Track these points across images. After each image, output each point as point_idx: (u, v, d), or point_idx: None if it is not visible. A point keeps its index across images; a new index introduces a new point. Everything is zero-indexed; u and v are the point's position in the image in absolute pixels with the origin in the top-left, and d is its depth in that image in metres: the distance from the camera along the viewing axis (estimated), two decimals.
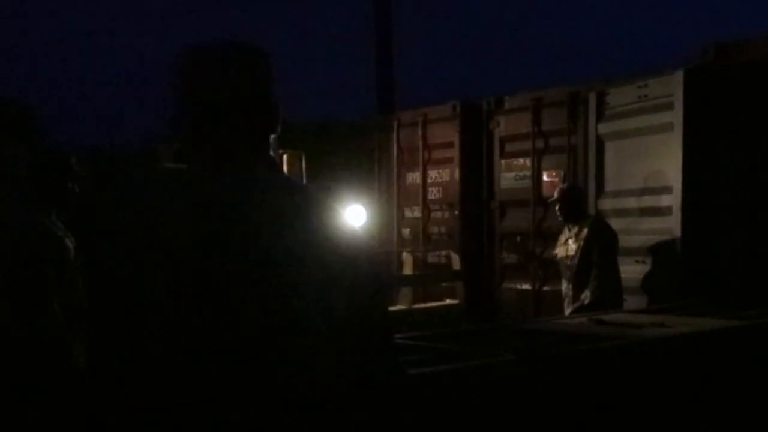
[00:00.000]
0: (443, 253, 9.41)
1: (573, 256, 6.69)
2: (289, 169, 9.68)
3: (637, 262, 7.05)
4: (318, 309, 1.80)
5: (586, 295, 6.48)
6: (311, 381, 1.80)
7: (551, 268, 7.61)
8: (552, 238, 7.56)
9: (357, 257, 1.88)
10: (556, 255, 6.97)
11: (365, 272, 1.88)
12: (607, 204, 7.55)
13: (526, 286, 8.75)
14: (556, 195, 7.02)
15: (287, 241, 1.81)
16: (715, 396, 4.46)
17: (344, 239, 1.88)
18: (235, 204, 1.83)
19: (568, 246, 6.78)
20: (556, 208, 6.98)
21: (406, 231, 10.40)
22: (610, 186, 7.61)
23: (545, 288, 8.44)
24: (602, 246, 6.63)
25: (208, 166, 1.89)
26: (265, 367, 1.78)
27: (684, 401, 4.31)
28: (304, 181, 9.67)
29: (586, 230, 6.70)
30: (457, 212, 9.63)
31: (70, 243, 3.25)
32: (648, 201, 7.14)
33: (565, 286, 6.82)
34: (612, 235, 6.75)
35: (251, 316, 1.77)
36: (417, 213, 10.16)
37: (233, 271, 1.78)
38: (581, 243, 6.65)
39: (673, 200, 6.85)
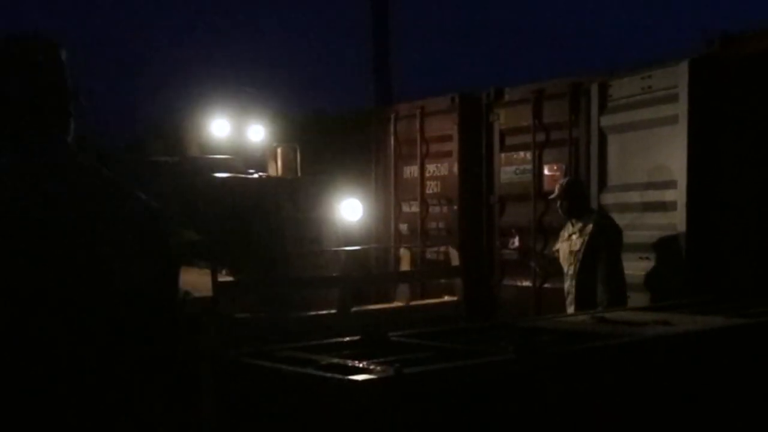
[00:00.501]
0: (441, 249, 9.26)
1: (578, 251, 6.56)
2: (283, 163, 9.58)
3: (640, 258, 6.92)
4: (105, 286, 2.02)
5: (602, 299, 6.35)
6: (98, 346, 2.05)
7: (552, 265, 7.48)
8: (553, 234, 7.44)
9: (145, 239, 2.09)
10: (557, 250, 6.83)
11: (152, 254, 2.09)
12: (609, 199, 7.42)
13: (526, 283, 8.65)
14: (556, 191, 6.87)
15: (80, 222, 1.99)
16: (720, 395, 4.38)
17: (135, 222, 2.08)
18: (33, 188, 2.01)
19: (571, 241, 6.65)
20: (557, 204, 6.84)
21: (403, 226, 10.31)
22: (612, 180, 7.48)
23: (546, 285, 8.31)
24: (608, 243, 6.50)
25: (15, 157, 2.07)
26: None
27: (688, 400, 4.23)
28: (299, 174, 9.57)
29: (590, 225, 6.57)
30: (455, 207, 9.53)
31: None
32: (652, 196, 7.02)
33: (567, 284, 6.69)
34: (617, 232, 6.63)
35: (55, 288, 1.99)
36: (415, 208, 10.07)
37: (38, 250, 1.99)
38: (586, 238, 6.52)
39: (677, 195, 6.72)
